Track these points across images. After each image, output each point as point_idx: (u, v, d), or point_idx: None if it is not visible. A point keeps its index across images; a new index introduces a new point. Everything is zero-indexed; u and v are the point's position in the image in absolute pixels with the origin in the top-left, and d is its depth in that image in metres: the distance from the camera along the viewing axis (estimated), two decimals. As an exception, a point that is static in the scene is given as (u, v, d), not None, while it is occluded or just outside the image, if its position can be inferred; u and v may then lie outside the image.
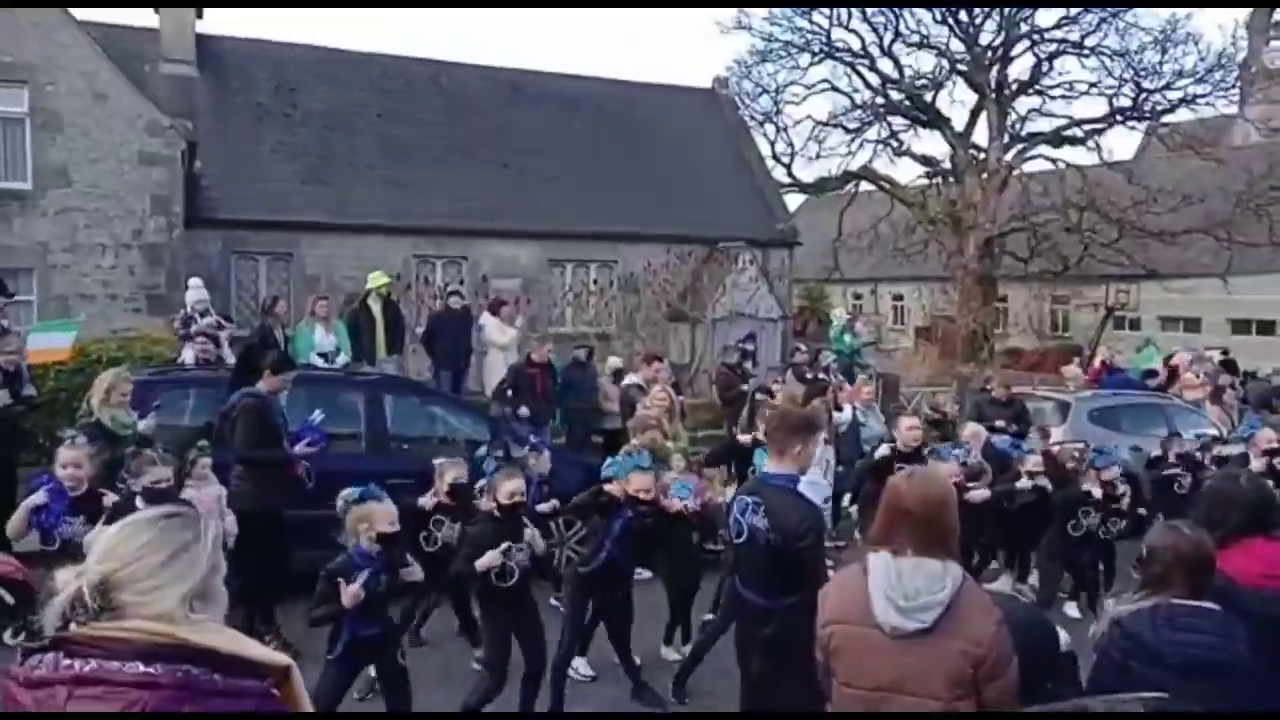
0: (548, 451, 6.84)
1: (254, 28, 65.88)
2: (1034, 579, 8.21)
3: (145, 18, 15.97)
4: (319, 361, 9.23)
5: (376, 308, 10.63)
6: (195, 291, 9.65)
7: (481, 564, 4.60)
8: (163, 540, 1.68)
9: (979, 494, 6.96)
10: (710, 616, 6.18)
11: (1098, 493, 7.07)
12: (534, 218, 16.11)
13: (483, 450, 6.68)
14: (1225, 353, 16.38)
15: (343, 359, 9.63)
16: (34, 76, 12.07)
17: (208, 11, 16.07)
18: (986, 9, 23.76)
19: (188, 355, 8.74)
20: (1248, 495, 3.21)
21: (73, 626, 1.60)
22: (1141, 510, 8.00)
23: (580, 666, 5.75)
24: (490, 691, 4.79)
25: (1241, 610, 2.94)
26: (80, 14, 12.82)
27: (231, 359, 8.30)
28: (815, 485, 7.78)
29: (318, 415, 6.38)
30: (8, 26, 11.81)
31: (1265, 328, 25.18)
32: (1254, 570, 3.08)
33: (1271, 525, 3.27)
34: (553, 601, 6.29)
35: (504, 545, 4.63)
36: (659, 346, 15.69)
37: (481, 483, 5.57)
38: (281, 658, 1.75)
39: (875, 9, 23.97)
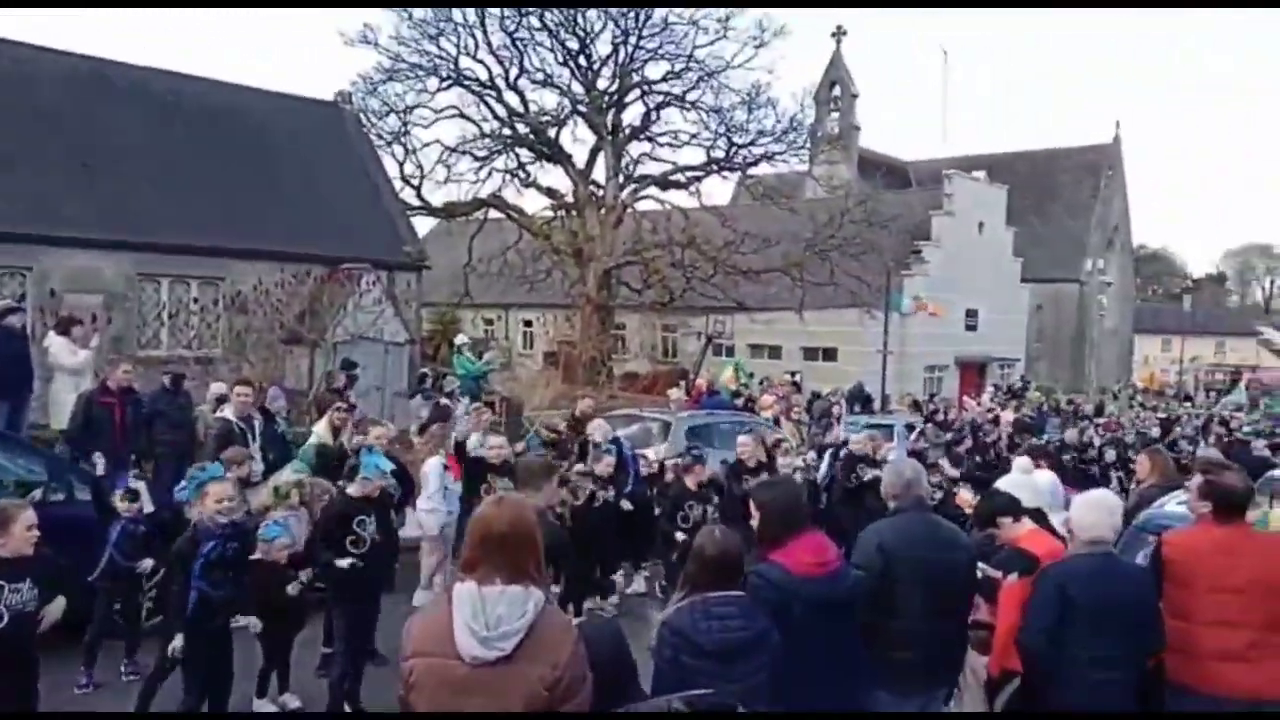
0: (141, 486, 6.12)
1: None
2: (636, 584, 8.91)
3: None
4: None
5: (-104, 326, 8.68)
6: None
7: None
8: None
9: None
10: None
11: (693, 485, 7.91)
12: (121, 225, 14.22)
13: (36, 494, 5.76)
14: (794, 375, 19.32)
15: None
16: None
17: None
18: (602, 58, 25.58)
19: None
20: (779, 501, 3.71)
21: None
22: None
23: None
24: None
25: (798, 594, 3.41)
26: None
27: None
28: (435, 513, 7.78)
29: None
30: None
31: (829, 354, 29.97)
32: (806, 560, 3.55)
33: (806, 519, 3.79)
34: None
35: None
36: (275, 370, 14.63)
37: None
38: None
39: (500, 44, 24.76)
